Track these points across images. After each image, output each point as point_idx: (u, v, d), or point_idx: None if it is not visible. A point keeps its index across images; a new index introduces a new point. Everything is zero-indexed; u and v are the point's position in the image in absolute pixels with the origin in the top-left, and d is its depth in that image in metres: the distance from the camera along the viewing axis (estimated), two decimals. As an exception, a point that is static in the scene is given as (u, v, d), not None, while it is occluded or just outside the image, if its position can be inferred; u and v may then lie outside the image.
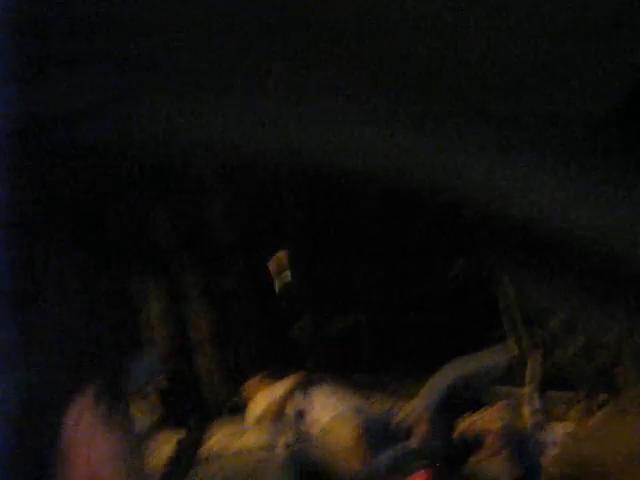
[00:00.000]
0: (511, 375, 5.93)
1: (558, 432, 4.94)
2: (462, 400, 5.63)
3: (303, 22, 2.61)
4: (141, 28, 2.52)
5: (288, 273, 10.78)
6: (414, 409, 5.02)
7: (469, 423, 5.07)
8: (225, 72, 2.72)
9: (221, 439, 4.99)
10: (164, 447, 5.00)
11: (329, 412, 5.07)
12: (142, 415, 5.04)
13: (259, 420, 5.13)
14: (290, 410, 5.19)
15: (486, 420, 4.91)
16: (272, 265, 9.58)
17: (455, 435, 4.92)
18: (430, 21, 2.61)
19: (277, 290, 9.17)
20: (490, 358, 5.86)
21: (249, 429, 4.99)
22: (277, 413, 5.10)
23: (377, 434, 4.97)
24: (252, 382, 5.43)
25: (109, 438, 0.56)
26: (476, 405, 5.32)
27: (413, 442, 4.86)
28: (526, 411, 5.31)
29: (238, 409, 5.58)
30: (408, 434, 4.92)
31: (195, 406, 5.26)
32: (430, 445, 4.86)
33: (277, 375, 5.44)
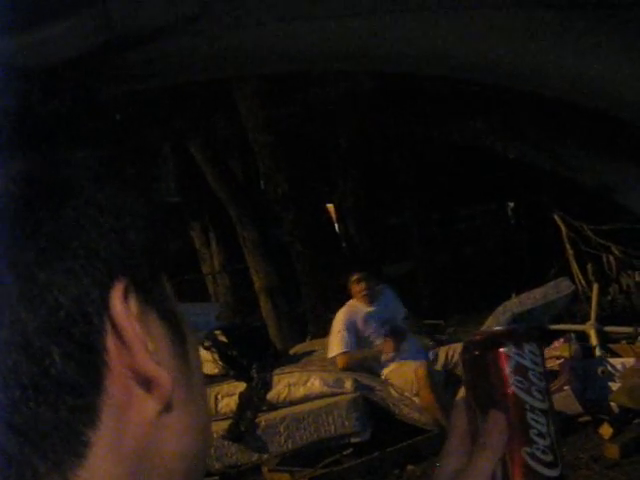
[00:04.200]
0: (570, 310, 5.91)
1: (619, 366, 4.91)
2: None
3: None
4: None
5: (337, 225, 10.65)
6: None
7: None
8: None
9: (285, 387, 5.01)
10: (228, 399, 5.04)
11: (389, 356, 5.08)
12: (205, 366, 5.05)
13: (323, 367, 5.15)
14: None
15: (550, 354, 4.88)
16: (324, 216, 9.46)
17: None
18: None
19: (329, 241, 9.09)
20: (548, 294, 5.84)
21: (312, 376, 5.01)
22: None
23: (440, 375, 4.98)
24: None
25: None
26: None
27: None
28: (587, 346, 5.29)
29: (298, 357, 5.61)
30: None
31: (256, 357, 5.28)
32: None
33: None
